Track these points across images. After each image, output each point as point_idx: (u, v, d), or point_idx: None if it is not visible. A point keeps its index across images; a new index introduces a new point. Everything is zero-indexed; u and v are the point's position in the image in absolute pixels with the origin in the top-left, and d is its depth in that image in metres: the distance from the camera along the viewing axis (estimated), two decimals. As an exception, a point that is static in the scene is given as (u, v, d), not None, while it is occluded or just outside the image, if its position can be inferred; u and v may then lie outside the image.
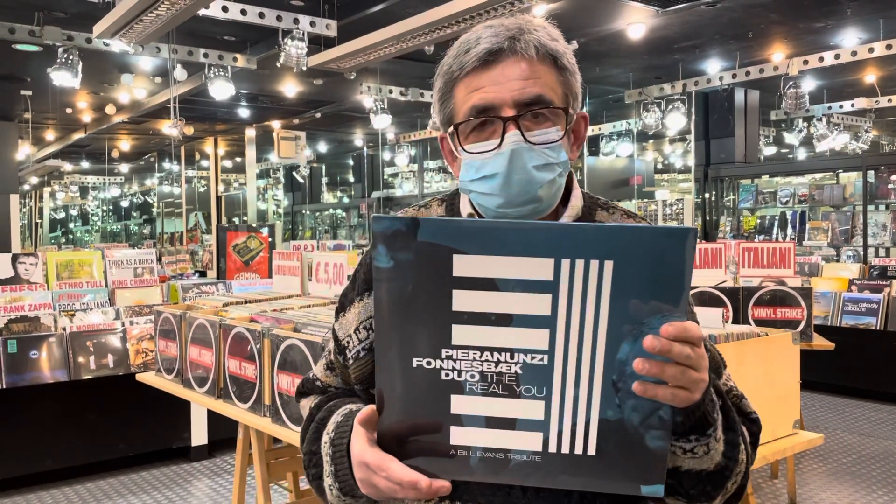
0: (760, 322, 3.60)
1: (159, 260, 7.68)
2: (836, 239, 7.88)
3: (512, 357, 0.78)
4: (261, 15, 5.51)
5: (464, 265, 0.76)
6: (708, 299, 3.65)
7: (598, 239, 0.74)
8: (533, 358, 0.78)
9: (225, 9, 5.31)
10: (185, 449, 4.61)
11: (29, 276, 4.63)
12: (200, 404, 2.94)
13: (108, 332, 4.35)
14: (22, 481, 4.17)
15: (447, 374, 0.79)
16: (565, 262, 0.75)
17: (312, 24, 5.71)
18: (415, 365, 0.80)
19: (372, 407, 0.84)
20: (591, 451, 0.79)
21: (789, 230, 8.27)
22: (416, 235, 0.76)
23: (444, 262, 0.76)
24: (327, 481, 0.96)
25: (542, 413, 0.79)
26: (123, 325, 4.44)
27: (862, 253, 7.60)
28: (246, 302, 3.26)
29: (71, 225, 23.18)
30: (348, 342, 1.05)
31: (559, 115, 0.98)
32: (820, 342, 3.74)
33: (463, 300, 0.77)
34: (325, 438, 0.97)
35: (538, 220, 1.00)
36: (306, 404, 1.11)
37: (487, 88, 0.96)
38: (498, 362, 0.78)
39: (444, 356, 0.79)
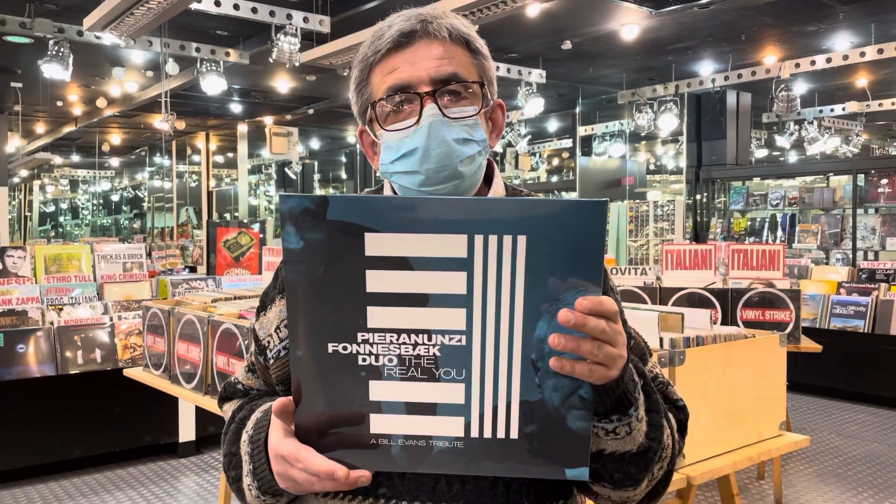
0: (749, 324, 3.61)
1: (149, 255, 7.64)
2: (826, 242, 7.93)
3: (429, 339, 0.76)
4: (254, 10, 5.49)
5: (376, 244, 0.74)
6: (697, 301, 3.66)
7: (509, 213, 0.73)
8: (451, 339, 0.76)
9: (218, 3, 5.29)
10: (173, 445, 4.59)
11: (17, 269, 4.60)
12: (188, 400, 2.93)
13: (96, 326, 4.33)
14: (7, 476, 4.14)
15: (364, 360, 0.77)
16: (478, 239, 0.73)
17: (305, 19, 5.70)
18: (330, 350, 0.77)
19: (289, 398, 0.81)
20: (514, 434, 0.78)
21: (779, 232, 8.32)
22: (325, 214, 0.74)
23: (356, 242, 0.74)
24: (246, 481, 0.93)
25: (462, 396, 0.77)
26: (112, 319, 4.41)
27: (851, 256, 7.65)
28: (235, 298, 3.25)
29: (61, 219, 23.04)
30: (269, 342, 1.03)
31: (476, 96, 0.99)
32: (808, 344, 3.76)
33: (377, 281, 0.75)
34: (245, 437, 0.95)
35: None
36: (229, 409, 1.08)
37: (403, 68, 0.97)
38: (416, 345, 0.77)
39: (360, 340, 0.77)
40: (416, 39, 0.97)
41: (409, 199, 0.75)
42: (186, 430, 4.59)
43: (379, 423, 0.79)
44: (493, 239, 0.73)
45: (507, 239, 0.73)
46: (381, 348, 0.77)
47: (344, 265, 0.75)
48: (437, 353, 0.77)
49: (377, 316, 0.76)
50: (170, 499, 3.93)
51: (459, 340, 0.76)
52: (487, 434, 0.79)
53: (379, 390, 0.78)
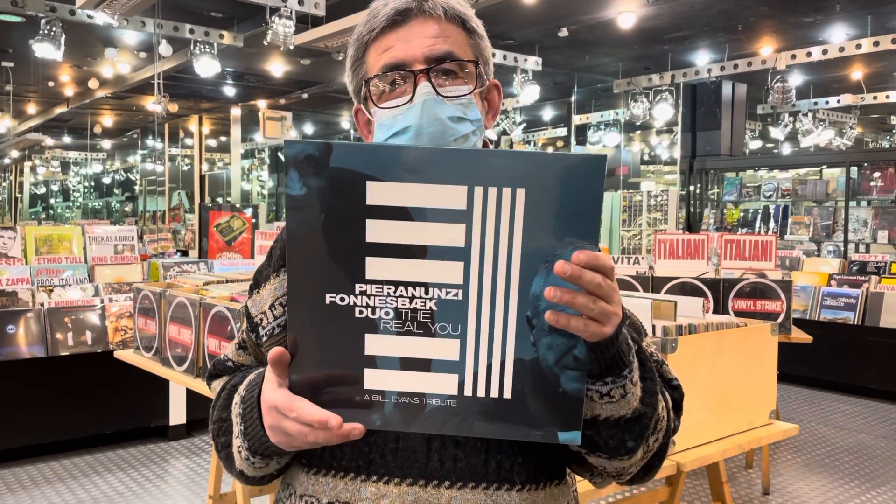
0: (740, 314, 3.62)
1: (141, 238, 7.61)
2: (818, 234, 7.96)
3: (426, 292, 0.76)
4: (248, -8, 5.44)
5: (377, 193, 0.74)
6: (689, 290, 3.67)
7: (509, 165, 0.73)
8: (447, 293, 0.76)
9: (212, -16, 5.23)
10: (164, 428, 4.58)
11: (7, 250, 4.57)
12: (179, 383, 2.92)
13: (86, 308, 4.31)
14: (-4, 457, 4.14)
15: (361, 312, 0.77)
16: (478, 190, 0.73)
17: (300, 2, 5.65)
18: (328, 301, 0.77)
19: (283, 348, 0.81)
20: (507, 394, 0.78)
21: (772, 224, 8.34)
22: (328, 161, 0.74)
23: (358, 190, 0.74)
24: (236, 443, 0.93)
25: (457, 353, 0.78)
26: (102, 301, 4.39)
27: (842, 248, 7.68)
28: (227, 281, 3.24)
29: (52, 200, 22.90)
30: (262, 319, 1.02)
31: (470, 75, 0.99)
32: (798, 335, 3.78)
33: (377, 230, 0.75)
34: (237, 399, 0.94)
35: None
36: (217, 385, 1.07)
37: (398, 47, 0.96)
38: (412, 297, 0.77)
39: (357, 291, 0.77)
40: (411, 18, 0.97)
41: (412, 148, 0.74)
42: (177, 413, 4.59)
43: (373, 379, 0.79)
44: (492, 191, 0.73)
45: (507, 191, 0.73)
46: (379, 300, 0.77)
47: (345, 213, 0.75)
48: (434, 308, 0.77)
49: (375, 267, 0.76)
50: (160, 481, 3.93)
51: (456, 294, 0.76)
52: (481, 393, 0.78)
53: (374, 344, 0.78)
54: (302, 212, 0.76)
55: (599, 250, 0.75)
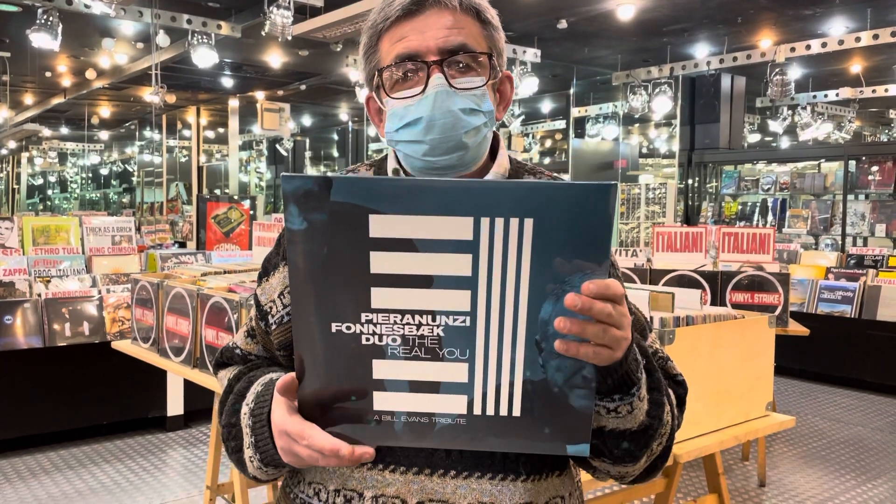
0: (738, 306, 3.63)
1: (138, 229, 7.59)
2: (816, 227, 7.96)
3: (433, 319, 0.76)
4: (246, -18, 5.41)
5: (381, 225, 0.73)
6: (687, 283, 3.67)
7: (516, 196, 0.72)
8: (455, 320, 0.76)
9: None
10: (161, 419, 4.59)
11: (4, 240, 4.56)
12: (176, 373, 2.92)
13: (84, 299, 4.30)
14: (-6, 447, 4.14)
15: (368, 339, 0.77)
16: (485, 221, 0.73)
17: (299, -8, 5.62)
18: (334, 330, 0.77)
19: (291, 375, 0.82)
20: (516, 412, 0.78)
21: (770, 217, 8.34)
22: (329, 195, 0.73)
23: (361, 223, 0.73)
24: (247, 453, 0.94)
25: (465, 375, 0.78)
26: (100, 292, 4.39)
27: (840, 242, 7.69)
28: (225, 272, 3.23)
29: (49, 192, 22.85)
30: (271, 307, 1.03)
31: (484, 67, 0.98)
32: (795, 328, 3.79)
33: (381, 262, 0.75)
34: (245, 409, 0.95)
35: (464, 174, 0.99)
36: (224, 375, 1.08)
37: (412, 37, 0.96)
38: (420, 325, 0.77)
39: (363, 320, 0.77)
40: (426, 7, 0.96)
41: (414, 181, 0.74)
42: (175, 404, 4.59)
43: (382, 401, 0.79)
44: (499, 222, 0.73)
45: (514, 222, 0.72)
46: (385, 328, 0.77)
47: (348, 246, 0.74)
48: (441, 334, 0.77)
49: (381, 296, 0.76)
50: (158, 472, 3.94)
51: (464, 321, 0.76)
52: (490, 412, 0.79)
53: (382, 369, 0.78)
54: (304, 245, 0.75)
55: (607, 276, 0.74)
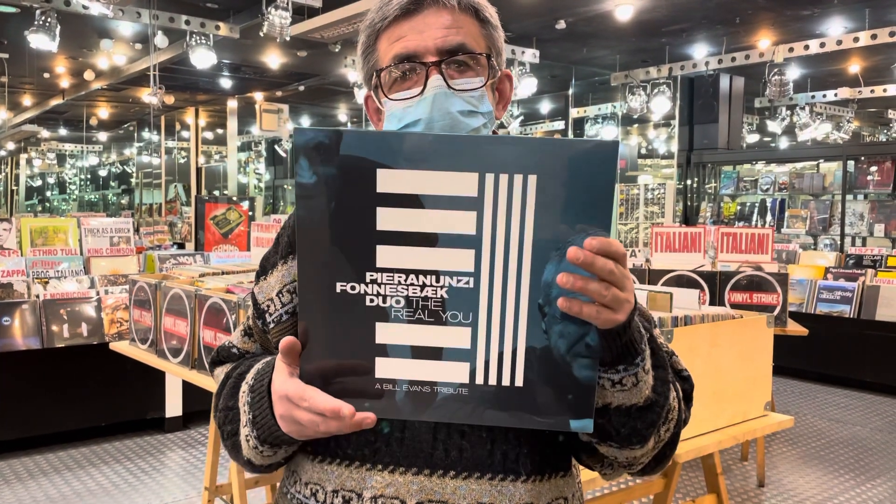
0: (736, 306, 3.63)
1: (137, 231, 7.59)
2: (814, 227, 7.97)
3: (437, 280, 0.76)
4: (244, -18, 5.41)
5: (388, 180, 0.74)
6: (685, 283, 3.67)
7: (520, 152, 0.72)
8: (458, 281, 0.76)
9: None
10: (160, 420, 4.58)
11: (2, 241, 4.55)
12: (174, 375, 2.92)
13: (82, 300, 4.30)
14: (-8, 449, 4.13)
15: (371, 300, 0.77)
16: (489, 177, 0.73)
17: (297, -7, 5.62)
18: (338, 290, 0.77)
19: (294, 337, 0.81)
20: (519, 382, 0.78)
21: (768, 217, 8.35)
22: (339, 148, 0.74)
23: (368, 177, 0.74)
24: (244, 432, 0.93)
25: (468, 341, 0.77)
26: (98, 293, 4.38)
27: (839, 242, 7.69)
28: (223, 273, 3.23)
29: (48, 193, 22.83)
30: (269, 306, 1.02)
31: (482, 67, 0.98)
32: (794, 328, 3.79)
33: (387, 218, 0.75)
34: (244, 388, 0.94)
35: None
36: (221, 372, 1.07)
37: (410, 37, 0.95)
38: (423, 286, 0.76)
39: (368, 280, 0.77)
40: (424, 7, 0.96)
41: (421, 135, 0.74)
42: (173, 406, 4.58)
43: (384, 368, 0.79)
44: (503, 178, 0.73)
45: (518, 178, 0.73)
46: (389, 289, 0.77)
47: (355, 201, 0.75)
48: (445, 295, 0.77)
49: (386, 255, 0.76)
50: (156, 473, 3.93)
51: (467, 283, 0.76)
52: (492, 381, 0.78)
53: (385, 333, 0.78)
54: (312, 200, 0.75)
55: (610, 236, 0.74)
